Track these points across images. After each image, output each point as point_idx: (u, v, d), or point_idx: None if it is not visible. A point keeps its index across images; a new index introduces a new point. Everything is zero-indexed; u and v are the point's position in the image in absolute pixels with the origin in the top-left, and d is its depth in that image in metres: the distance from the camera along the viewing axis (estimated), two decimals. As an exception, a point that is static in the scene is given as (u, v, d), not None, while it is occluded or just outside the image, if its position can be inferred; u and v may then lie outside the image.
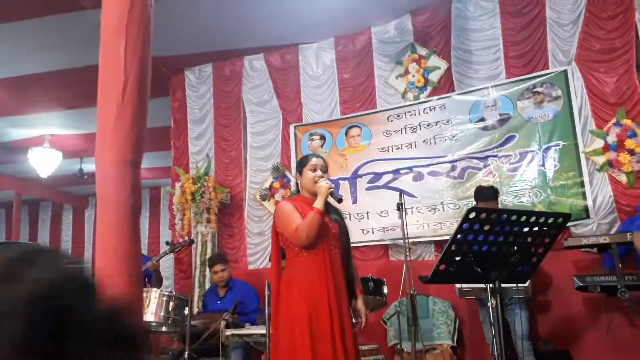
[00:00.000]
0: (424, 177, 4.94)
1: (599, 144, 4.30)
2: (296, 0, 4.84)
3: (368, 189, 5.17)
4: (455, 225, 2.14)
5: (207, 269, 5.05)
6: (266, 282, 3.10)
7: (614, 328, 3.99)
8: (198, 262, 5.48)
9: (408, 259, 3.76)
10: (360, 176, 5.23)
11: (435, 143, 4.95)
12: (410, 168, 5.01)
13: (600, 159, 4.28)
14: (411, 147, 5.05)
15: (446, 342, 4.31)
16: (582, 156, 4.35)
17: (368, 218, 5.10)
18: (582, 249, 4.05)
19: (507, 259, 2.13)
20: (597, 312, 4.08)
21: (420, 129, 5.04)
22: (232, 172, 5.89)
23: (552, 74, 4.57)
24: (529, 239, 2.11)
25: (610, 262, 3.73)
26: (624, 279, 3.52)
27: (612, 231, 4.11)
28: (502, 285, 2.16)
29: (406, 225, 3.90)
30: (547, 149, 4.48)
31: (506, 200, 4.50)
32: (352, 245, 2.87)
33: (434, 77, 5.09)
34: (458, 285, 3.90)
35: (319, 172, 2.67)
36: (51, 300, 0.61)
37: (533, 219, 2.05)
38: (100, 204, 2.06)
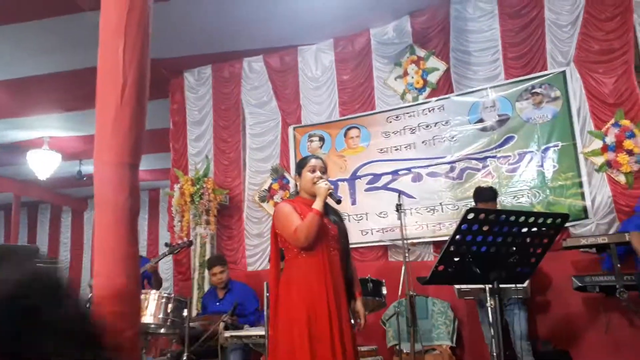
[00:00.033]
0: (423, 178, 4.94)
1: (597, 144, 4.31)
2: (295, 2, 4.84)
3: (367, 190, 5.17)
4: (454, 226, 2.14)
5: (206, 271, 5.05)
6: (265, 283, 3.09)
7: (613, 328, 3.99)
8: (197, 264, 5.48)
9: (407, 259, 3.76)
10: (359, 177, 5.24)
11: (434, 144, 4.95)
12: (409, 169, 5.01)
13: (599, 160, 4.29)
14: (410, 148, 5.05)
15: (445, 342, 4.31)
16: (581, 157, 4.36)
17: (367, 219, 5.10)
18: (581, 249, 4.05)
19: (505, 260, 2.13)
20: (596, 312, 4.09)
21: (419, 130, 5.04)
22: (231, 173, 5.89)
23: (551, 75, 4.58)
24: (528, 240, 2.11)
25: (610, 262, 3.73)
26: (622, 279, 3.53)
27: (611, 231, 4.11)
28: (501, 285, 2.16)
29: (405, 226, 3.90)
30: (546, 149, 4.49)
31: (505, 200, 4.50)
32: (351, 246, 2.87)
33: (433, 78, 5.09)
34: (457, 286, 3.90)
35: (318, 173, 2.67)
36: (18, 301, 0.61)
37: (531, 219, 2.05)
38: (98, 206, 2.06)
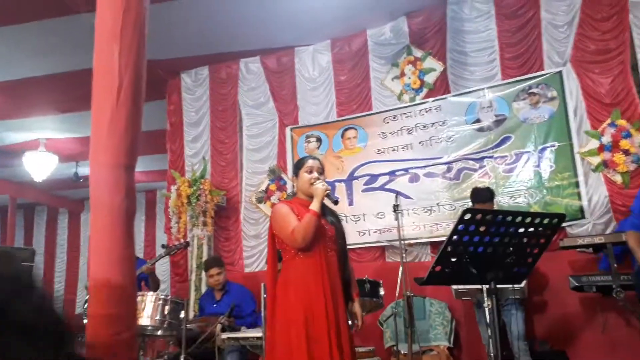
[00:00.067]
0: (420, 179, 4.95)
1: (594, 144, 4.32)
2: (292, 3, 4.84)
3: (364, 190, 5.17)
4: (451, 227, 2.14)
5: (203, 272, 5.04)
6: (262, 284, 3.09)
7: (610, 328, 4.00)
8: (194, 266, 5.47)
9: (404, 260, 3.76)
10: (357, 178, 5.23)
11: (431, 144, 4.96)
12: (406, 169, 5.01)
13: (596, 160, 4.30)
14: (407, 149, 5.06)
15: (443, 343, 4.31)
16: (578, 157, 4.37)
17: (364, 220, 5.10)
18: (578, 249, 4.06)
19: (502, 260, 2.13)
20: (593, 312, 4.10)
21: (416, 130, 5.05)
22: (228, 174, 5.88)
23: (548, 75, 4.59)
24: (525, 240, 2.12)
25: (607, 262, 3.74)
26: (619, 279, 3.53)
27: (608, 231, 4.12)
28: (498, 286, 2.16)
29: (402, 226, 3.90)
30: (543, 149, 4.50)
31: (502, 201, 4.51)
32: (348, 247, 2.86)
33: (430, 78, 5.10)
34: (454, 287, 3.90)
35: (315, 174, 2.67)
36: None
37: (528, 219, 2.05)
38: (94, 207, 2.05)
